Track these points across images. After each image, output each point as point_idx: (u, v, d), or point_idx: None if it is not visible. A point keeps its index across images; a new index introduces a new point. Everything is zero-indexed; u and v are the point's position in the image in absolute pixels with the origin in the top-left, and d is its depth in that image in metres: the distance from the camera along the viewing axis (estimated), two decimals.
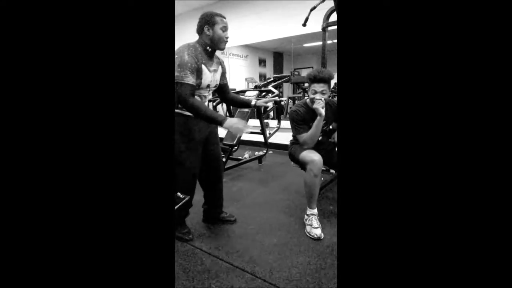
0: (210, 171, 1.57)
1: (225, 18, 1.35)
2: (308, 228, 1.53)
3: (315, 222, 1.52)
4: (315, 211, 1.57)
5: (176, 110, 1.34)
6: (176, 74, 1.24)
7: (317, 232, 1.48)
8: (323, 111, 1.49)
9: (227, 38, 1.35)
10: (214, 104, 3.27)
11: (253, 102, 1.58)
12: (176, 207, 1.10)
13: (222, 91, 1.57)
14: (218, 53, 1.42)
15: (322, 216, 1.70)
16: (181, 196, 1.39)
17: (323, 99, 1.52)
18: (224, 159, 2.56)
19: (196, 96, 1.35)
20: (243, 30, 4.18)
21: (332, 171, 2.49)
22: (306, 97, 1.79)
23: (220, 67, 1.47)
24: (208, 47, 1.34)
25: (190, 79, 1.26)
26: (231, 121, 1.29)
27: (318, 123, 1.53)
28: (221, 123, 1.29)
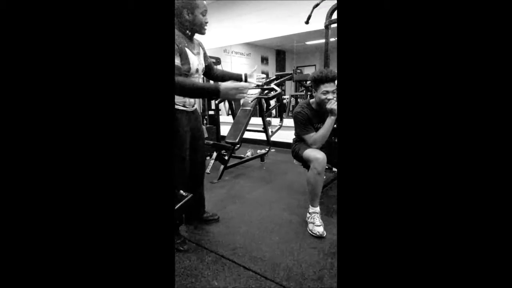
0: (196, 170, 1.51)
1: (204, 0, 1.26)
2: (310, 226, 1.53)
3: (318, 220, 1.53)
4: (318, 209, 1.57)
5: None
6: None
7: (320, 230, 1.48)
8: (337, 111, 1.50)
9: (207, 22, 1.29)
10: (216, 102, 3.27)
11: (243, 75, 1.48)
12: (177, 206, 1.10)
13: (209, 73, 1.51)
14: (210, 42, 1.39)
15: (324, 214, 1.70)
16: (184, 193, 1.38)
17: (335, 98, 1.52)
18: (226, 157, 2.56)
19: None
20: (245, 28, 4.16)
21: (334, 169, 2.49)
22: (308, 97, 1.78)
23: (200, 48, 1.41)
24: (187, 31, 1.27)
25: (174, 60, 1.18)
26: (226, 87, 1.12)
27: (331, 123, 1.54)
28: (218, 92, 1.12)
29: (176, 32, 1.25)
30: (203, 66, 1.41)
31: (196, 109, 1.46)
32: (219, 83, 1.15)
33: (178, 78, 1.15)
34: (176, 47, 1.19)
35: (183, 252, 1.36)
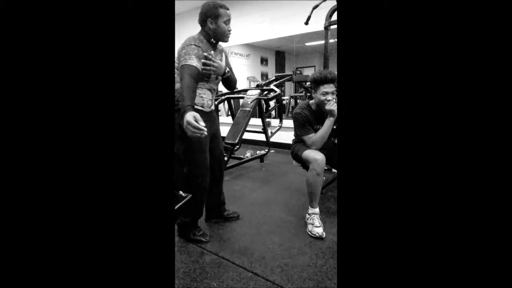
0: (214, 168, 1.55)
1: (228, 9, 1.32)
2: (309, 227, 1.53)
3: (317, 221, 1.52)
4: (317, 210, 1.57)
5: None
6: (181, 59, 1.22)
7: (319, 231, 1.48)
8: (336, 112, 1.50)
9: (230, 31, 1.34)
10: (216, 103, 3.27)
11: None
12: (177, 206, 1.10)
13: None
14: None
15: (324, 215, 1.70)
16: (183, 194, 1.38)
17: (334, 99, 1.52)
18: (226, 158, 2.56)
19: (206, 90, 1.35)
20: (245, 29, 4.17)
21: (334, 170, 2.49)
22: (308, 98, 1.79)
23: (223, 54, 1.46)
24: (212, 39, 1.34)
25: (194, 62, 1.21)
26: (188, 121, 1.04)
27: (330, 124, 1.54)
28: (183, 115, 1.07)
29: (202, 39, 1.32)
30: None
31: (212, 110, 1.49)
32: (190, 110, 1.09)
33: (189, 84, 1.15)
34: (201, 53, 1.27)
35: (183, 251, 1.35)
